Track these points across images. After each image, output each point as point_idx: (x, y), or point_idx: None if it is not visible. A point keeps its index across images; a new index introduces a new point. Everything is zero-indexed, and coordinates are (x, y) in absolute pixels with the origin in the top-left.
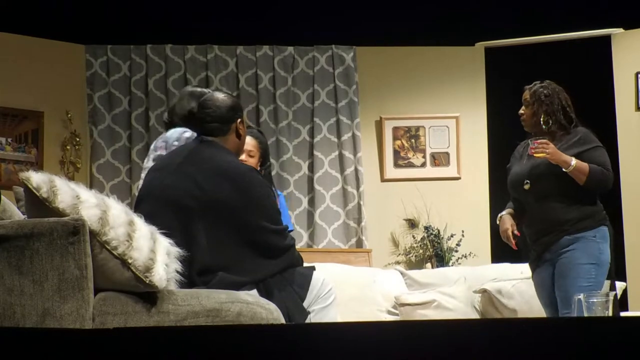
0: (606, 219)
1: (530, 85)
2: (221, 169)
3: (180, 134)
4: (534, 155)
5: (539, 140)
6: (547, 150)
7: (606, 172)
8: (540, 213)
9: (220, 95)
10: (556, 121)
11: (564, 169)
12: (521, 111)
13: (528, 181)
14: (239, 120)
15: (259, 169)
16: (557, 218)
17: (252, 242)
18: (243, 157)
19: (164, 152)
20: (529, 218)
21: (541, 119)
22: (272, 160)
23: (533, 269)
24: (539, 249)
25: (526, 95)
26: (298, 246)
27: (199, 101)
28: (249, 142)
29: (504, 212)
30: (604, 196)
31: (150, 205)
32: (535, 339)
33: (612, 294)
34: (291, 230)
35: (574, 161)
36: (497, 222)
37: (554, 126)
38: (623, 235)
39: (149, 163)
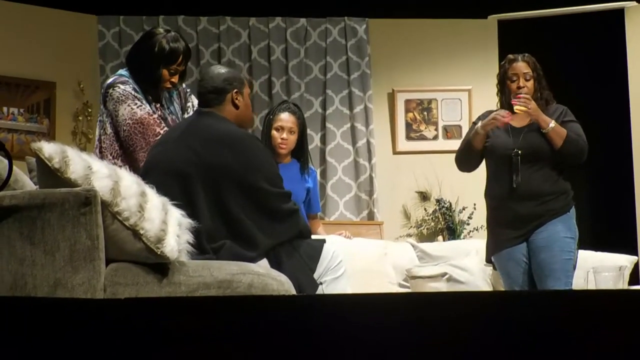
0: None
1: (524, 57)
2: (218, 135)
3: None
4: (516, 108)
5: (522, 95)
6: (529, 105)
7: (582, 142)
8: (526, 182)
9: (216, 68)
10: (548, 95)
11: (542, 130)
12: (521, 84)
13: (518, 150)
14: (234, 90)
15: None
16: (543, 187)
17: (253, 205)
18: (284, 134)
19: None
20: (512, 185)
21: (539, 94)
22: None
23: (499, 250)
24: (512, 218)
25: (526, 68)
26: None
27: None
28: (288, 119)
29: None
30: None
31: (154, 177)
32: (552, 312)
33: (624, 267)
34: (317, 212)
35: (552, 123)
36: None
37: (543, 101)
38: (634, 208)
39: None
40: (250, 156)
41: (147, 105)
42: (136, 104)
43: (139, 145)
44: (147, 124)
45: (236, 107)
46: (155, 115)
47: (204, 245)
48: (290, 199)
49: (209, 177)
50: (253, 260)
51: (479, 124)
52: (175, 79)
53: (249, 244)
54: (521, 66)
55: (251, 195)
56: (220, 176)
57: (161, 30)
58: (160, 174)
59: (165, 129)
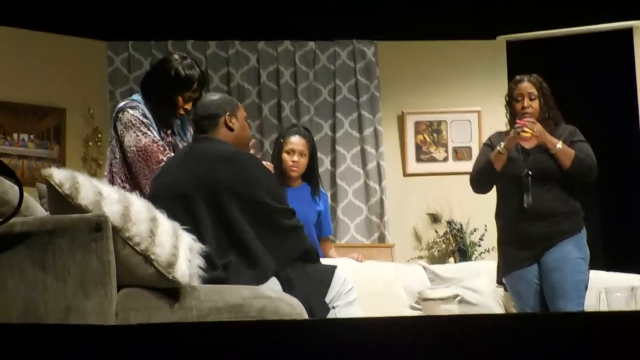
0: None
1: (529, 77)
2: (216, 155)
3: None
4: (521, 132)
5: (527, 119)
6: (535, 129)
7: (591, 162)
8: (536, 202)
9: (209, 95)
10: (556, 115)
11: (550, 151)
12: (526, 104)
13: (529, 171)
14: (227, 114)
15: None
16: (554, 208)
17: (257, 219)
18: (295, 157)
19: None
20: (523, 206)
21: (546, 114)
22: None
23: (510, 271)
24: (523, 239)
25: (531, 88)
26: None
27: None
28: (299, 142)
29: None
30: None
31: (159, 202)
32: (564, 334)
33: (636, 287)
34: (329, 235)
35: (559, 144)
36: (495, 154)
37: (551, 121)
38: None
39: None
40: (249, 173)
41: (155, 132)
42: (142, 130)
43: (142, 173)
44: (150, 152)
45: (230, 129)
46: (161, 143)
47: (214, 261)
48: (295, 215)
49: (211, 196)
50: (259, 279)
51: (501, 144)
52: (188, 106)
53: (252, 260)
54: (526, 86)
55: (254, 210)
56: (222, 193)
57: (177, 56)
58: (164, 200)
59: (169, 155)
